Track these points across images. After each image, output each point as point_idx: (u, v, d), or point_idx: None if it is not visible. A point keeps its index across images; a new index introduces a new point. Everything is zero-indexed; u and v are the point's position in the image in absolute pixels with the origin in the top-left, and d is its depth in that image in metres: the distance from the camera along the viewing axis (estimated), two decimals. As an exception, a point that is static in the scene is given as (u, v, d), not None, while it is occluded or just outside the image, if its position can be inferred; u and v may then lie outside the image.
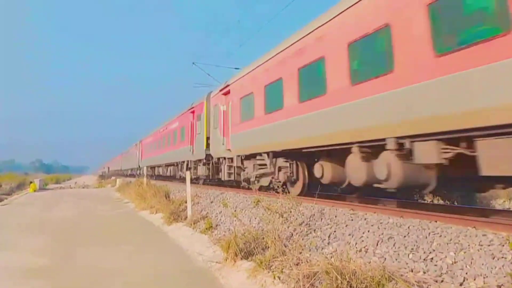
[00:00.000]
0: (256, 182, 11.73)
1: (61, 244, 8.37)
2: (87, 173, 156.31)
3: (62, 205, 17.81)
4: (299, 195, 9.18)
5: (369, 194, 9.17)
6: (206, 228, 8.67)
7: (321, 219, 6.58)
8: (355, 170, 7.24)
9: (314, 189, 8.24)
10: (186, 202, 11.02)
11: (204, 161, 16.74)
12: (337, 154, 8.07)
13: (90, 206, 17.09)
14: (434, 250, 4.27)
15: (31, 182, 30.23)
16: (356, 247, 5.04)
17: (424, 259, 4.16)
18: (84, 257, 7.14)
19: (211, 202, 11.42)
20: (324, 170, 8.57)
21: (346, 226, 5.88)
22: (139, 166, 38.19)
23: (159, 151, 28.04)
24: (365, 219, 5.89)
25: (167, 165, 25.61)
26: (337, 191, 11.27)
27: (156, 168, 30.93)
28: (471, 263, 3.80)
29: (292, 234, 6.19)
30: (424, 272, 3.92)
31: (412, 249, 4.47)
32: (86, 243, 8.45)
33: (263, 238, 6.04)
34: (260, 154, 11.13)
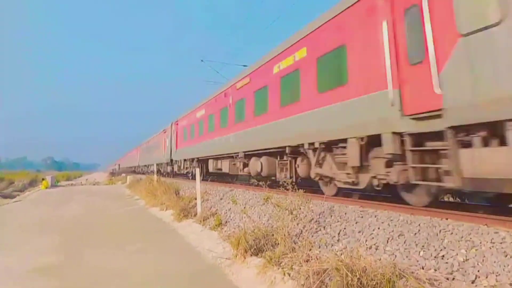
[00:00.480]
0: None
1: (71, 241, 8.48)
2: (97, 170, 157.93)
3: (73, 201, 18.01)
4: None
5: (380, 192, 9.07)
6: (216, 225, 8.71)
7: (331, 216, 6.57)
8: None
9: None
10: (196, 199, 11.08)
11: None
12: None
13: (101, 203, 17.26)
14: (445, 248, 4.24)
15: (43, 179, 30.69)
16: (366, 244, 5.03)
17: (435, 257, 4.14)
18: (94, 254, 7.21)
19: (221, 199, 11.46)
20: None
21: (356, 223, 5.87)
22: (172, 161, 26.80)
23: (224, 130, 15.60)
24: (375, 216, 5.88)
25: (251, 155, 12.98)
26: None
27: (212, 161, 17.80)
28: (483, 260, 3.78)
29: (301, 231, 6.19)
30: (435, 270, 3.90)
31: (423, 246, 4.45)
32: (97, 240, 8.55)
33: (273, 235, 6.06)
34: None
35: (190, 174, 22.12)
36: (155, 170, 23.04)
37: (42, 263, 6.65)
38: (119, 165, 77.60)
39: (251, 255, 5.90)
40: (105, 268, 6.25)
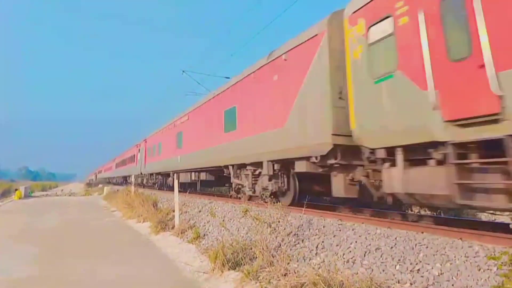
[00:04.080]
0: None
1: (44, 254, 8.17)
2: (74, 181, 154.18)
3: (47, 213, 17.47)
4: None
5: (358, 204, 9.18)
6: (194, 238, 8.58)
7: (309, 229, 6.56)
8: None
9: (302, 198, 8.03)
10: (174, 211, 10.92)
11: None
12: None
13: (77, 215, 16.79)
14: (420, 261, 4.28)
15: (16, 190, 29.87)
16: (344, 258, 5.04)
17: (410, 270, 4.17)
18: (69, 268, 6.96)
19: (199, 211, 11.33)
20: None
21: (334, 236, 5.87)
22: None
23: None
24: (352, 230, 5.90)
25: None
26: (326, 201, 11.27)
27: None
28: (457, 274, 3.82)
29: (280, 245, 6.15)
30: (411, 284, 3.93)
31: (399, 260, 4.48)
32: (71, 253, 8.25)
33: (251, 248, 6.00)
34: None
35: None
36: (133, 181, 22.52)
37: (17, 275, 6.40)
38: (96, 175, 75.92)
39: (228, 269, 5.82)
40: (80, 281, 6.05)
